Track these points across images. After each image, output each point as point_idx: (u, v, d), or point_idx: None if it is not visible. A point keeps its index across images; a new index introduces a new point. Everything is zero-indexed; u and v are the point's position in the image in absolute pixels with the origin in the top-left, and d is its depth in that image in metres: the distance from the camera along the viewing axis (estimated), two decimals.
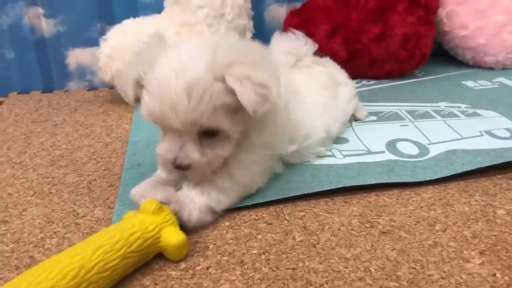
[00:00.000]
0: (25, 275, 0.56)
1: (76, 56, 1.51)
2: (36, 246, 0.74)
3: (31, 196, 0.89)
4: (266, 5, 1.56)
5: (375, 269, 0.64)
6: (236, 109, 0.71)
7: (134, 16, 1.38)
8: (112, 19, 1.45)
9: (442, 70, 1.51)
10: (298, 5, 1.53)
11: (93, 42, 1.47)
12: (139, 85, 0.74)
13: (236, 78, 0.69)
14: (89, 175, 0.96)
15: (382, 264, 0.65)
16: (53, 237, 0.76)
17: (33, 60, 1.50)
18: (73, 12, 1.47)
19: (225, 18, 1.31)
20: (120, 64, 1.29)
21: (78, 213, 0.82)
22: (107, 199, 0.86)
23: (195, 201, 0.75)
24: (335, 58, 1.40)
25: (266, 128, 0.80)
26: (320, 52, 1.30)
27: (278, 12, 1.56)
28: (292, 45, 1.09)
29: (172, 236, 0.67)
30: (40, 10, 1.46)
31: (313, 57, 1.13)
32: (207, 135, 0.72)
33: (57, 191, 0.90)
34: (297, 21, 1.46)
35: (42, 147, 1.10)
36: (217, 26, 1.30)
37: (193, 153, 0.72)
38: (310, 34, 1.42)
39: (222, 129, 0.72)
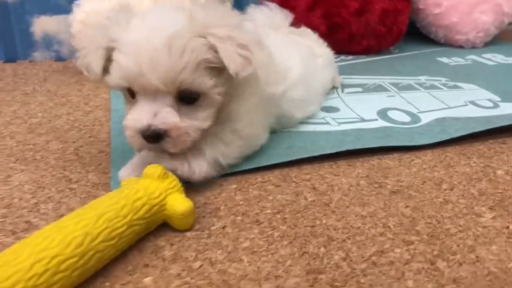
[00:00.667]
0: (24, 241, 0.51)
1: (42, 24, 1.42)
2: (30, 211, 0.68)
3: (14, 163, 0.82)
4: None
5: (394, 225, 0.64)
6: (218, 70, 0.68)
7: None
8: None
9: (415, 47, 1.54)
10: None
11: (61, 10, 1.39)
12: (107, 55, 0.68)
13: (218, 37, 0.65)
14: (74, 142, 0.90)
15: (399, 220, 0.65)
16: (48, 202, 0.70)
17: None
18: None
19: None
20: None
21: (70, 179, 0.77)
22: (99, 164, 0.81)
23: (203, 153, 0.72)
24: (315, 32, 1.41)
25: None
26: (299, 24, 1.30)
27: None
28: (267, 17, 1.08)
29: (179, 203, 0.62)
30: None
31: (290, 28, 1.11)
32: (185, 101, 0.67)
33: (42, 157, 0.84)
34: None
35: (15, 115, 1.03)
36: None
37: (171, 117, 0.66)
38: (290, 7, 1.41)
39: (203, 90, 0.67)
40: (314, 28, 1.39)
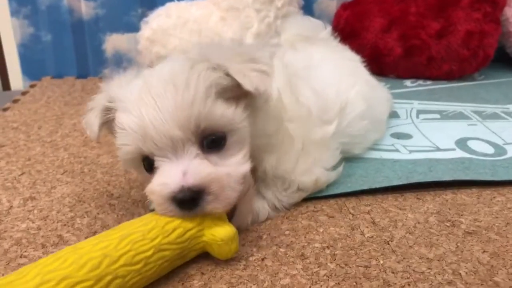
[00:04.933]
0: (36, 262, 0.46)
1: (113, 42, 1.44)
2: (65, 225, 0.65)
3: (61, 174, 0.80)
4: None
5: (466, 273, 0.53)
6: (235, 98, 0.57)
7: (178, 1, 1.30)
8: (154, 4, 1.37)
9: (504, 74, 1.38)
10: None
11: (133, 28, 1.41)
12: (107, 115, 0.61)
13: (222, 58, 0.56)
14: None
15: (474, 268, 0.54)
16: (84, 217, 0.67)
17: (69, 44, 1.44)
18: None
19: (274, 4, 1.21)
20: (161, 48, 1.21)
21: (112, 194, 0.73)
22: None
23: (263, 196, 0.66)
24: (390, 54, 1.31)
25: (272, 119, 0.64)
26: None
27: (327, 5, 1.47)
28: (302, 27, 1.02)
29: (219, 228, 0.54)
30: None
31: (327, 36, 1.03)
32: (212, 147, 0.56)
33: (89, 170, 0.82)
34: (350, 13, 1.36)
35: (74, 128, 1.02)
36: (266, 12, 1.21)
37: (206, 168, 0.53)
38: (363, 28, 1.34)
39: (226, 123, 0.55)
40: (389, 50, 1.31)
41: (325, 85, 0.76)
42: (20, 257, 0.58)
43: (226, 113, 0.55)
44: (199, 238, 0.54)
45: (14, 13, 1.40)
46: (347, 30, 1.36)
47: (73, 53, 1.45)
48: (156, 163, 0.55)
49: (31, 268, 0.45)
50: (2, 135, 0.98)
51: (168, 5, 1.27)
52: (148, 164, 0.57)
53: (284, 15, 1.24)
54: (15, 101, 1.23)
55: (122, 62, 1.46)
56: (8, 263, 0.57)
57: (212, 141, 0.55)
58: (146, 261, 0.50)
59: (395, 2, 1.34)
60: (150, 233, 0.51)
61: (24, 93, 1.30)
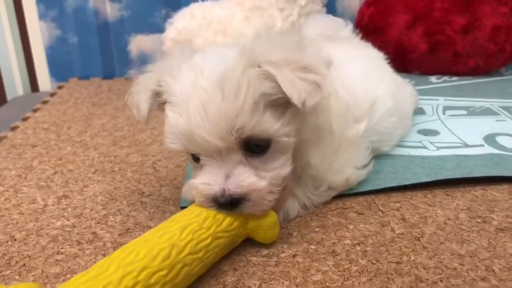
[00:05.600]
0: (109, 257, 0.48)
1: (138, 43, 1.47)
2: (98, 223, 0.66)
3: (93, 173, 0.82)
4: None
5: (500, 269, 0.53)
6: (283, 107, 0.56)
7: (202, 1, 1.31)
8: (178, 5, 1.38)
9: None
10: None
11: (157, 29, 1.43)
12: (156, 98, 0.61)
13: (275, 63, 0.54)
14: (154, 155, 0.89)
15: (507, 264, 0.54)
16: (117, 215, 0.68)
17: (95, 46, 1.46)
18: None
19: (298, 3, 1.22)
20: None
21: (143, 192, 0.75)
22: (174, 179, 0.79)
23: (294, 195, 0.66)
24: (414, 50, 1.31)
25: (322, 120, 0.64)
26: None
27: (350, 2, 1.46)
28: (323, 25, 1.02)
29: (263, 215, 0.57)
30: None
31: (349, 34, 1.02)
32: (254, 152, 0.56)
33: (120, 169, 0.83)
34: (373, 10, 1.35)
35: (103, 128, 1.04)
36: (290, 11, 1.22)
37: (247, 178, 0.55)
38: (387, 24, 1.33)
39: (269, 134, 0.55)
40: (413, 46, 1.30)
41: (352, 82, 0.76)
42: (57, 253, 0.60)
43: (273, 127, 0.55)
44: (245, 225, 0.57)
45: (42, 16, 1.43)
46: (371, 27, 1.35)
47: (99, 54, 1.47)
48: (202, 161, 0.57)
49: (108, 262, 0.46)
50: (34, 135, 1.01)
51: (193, 5, 1.28)
52: (194, 157, 0.59)
53: (308, 13, 1.24)
54: (44, 102, 1.26)
55: (147, 62, 1.45)
56: (46, 259, 0.58)
57: (255, 146, 0.56)
58: (206, 249, 0.52)
59: None
60: (205, 222, 0.54)
61: (52, 95, 1.33)
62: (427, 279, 0.52)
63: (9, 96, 1.46)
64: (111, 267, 0.45)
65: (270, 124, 0.54)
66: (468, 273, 0.53)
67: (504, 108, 1.04)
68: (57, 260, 0.58)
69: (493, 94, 1.15)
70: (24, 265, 0.58)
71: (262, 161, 0.57)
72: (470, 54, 1.27)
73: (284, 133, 0.56)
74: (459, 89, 1.21)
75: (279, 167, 0.57)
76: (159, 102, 0.61)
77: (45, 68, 1.48)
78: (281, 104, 0.56)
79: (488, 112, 1.03)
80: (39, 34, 1.45)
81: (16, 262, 0.58)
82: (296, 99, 0.52)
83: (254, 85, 0.53)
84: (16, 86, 1.47)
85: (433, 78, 1.31)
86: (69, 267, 0.57)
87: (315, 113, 0.61)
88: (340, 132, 0.68)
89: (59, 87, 1.41)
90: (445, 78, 1.31)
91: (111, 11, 1.44)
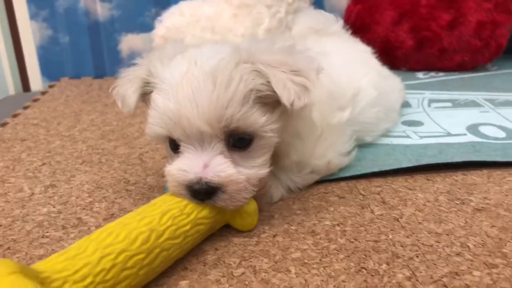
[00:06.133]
0: (88, 237, 0.48)
1: (128, 42, 1.48)
2: (84, 209, 0.67)
3: (80, 164, 0.83)
4: None
5: (474, 245, 0.54)
6: (271, 105, 0.58)
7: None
8: (168, 4, 1.40)
9: None
10: None
11: (147, 28, 1.44)
12: (143, 88, 0.61)
13: (268, 64, 0.56)
14: (141, 148, 0.90)
15: (482, 240, 0.55)
16: (102, 201, 0.69)
17: (86, 45, 1.48)
18: None
19: (285, 0, 1.24)
20: None
21: (129, 181, 0.76)
22: (160, 169, 0.80)
23: (278, 178, 0.67)
24: (401, 47, 1.32)
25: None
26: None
27: (338, 0, 1.48)
28: (314, 20, 1.05)
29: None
30: None
31: (339, 29, 1.05)
32: (237, 146, 0.57)
33: (107, 160, 0.84)
34: (360, 8, 1.38)
35: (92, 123, 1.05)
36: (277, 8, 1.23)
37: (227, 169, 0.55)
38: (374, 21, 1.35)
39: (255, 129, 0.56)
40: (400, 42, 1.32)
41: (336, 72, 0.77)
42: (42, 237, 0.60)
43: (259, 121, 0.56)
44: (224, 212, 0.58)
45: (33, 16, 1.45)
46: (358, 24, 1.37)
47: (90, 54, 1.49)
48: (181, 148, 0.57)
49: (87, 242, 0.47)
50: (23, 130, 1.02)
51: (181, 3, 1.30)
52: (174, 145, 0.59)
53: (295, 10, 1.26)
54: (35, 100, 1.27)
55: None
56: (31, 243, 0.59)
57: (238, 140, 0.57)
58: (185, 235, 0.53)
59: None
60: (186, 208, 0.54)
61: (43, 93, 1.34)
62: (404, 255, 0.53)
63: (0, 96, 1.47)
64: (90, 248, 0.46)
65: (257, 118, 0.56)
66: (443, 249, 0.54)
67: (488, 100, 1.06)
68: (41, 243, 0.59)
69: (478, 87, 1.17)
70: (8, 248, 0.58)
71: (243, 157, 0.57)
72: (456, 49, 1.29)
73: (269, 129, 0.57)
74: (445, 83, 1.23)
75: (257, 166, 0.58)
76: (144, 91, 0.62)
77: (37, 67, 1.50)
78: (269, 102, 0.57)
79: (472, 104, 1.04)
80: (30, 34, 1.46)
81: (1, 245, 0.59)
82: (285, 99, 0.54)
83: (246, 79, 0.55)
84: (8, 85, 1.48)
85: (420, 74, 1.33)
86: (53, 250, 0.57)
87: (296, 119, 0.63)
88: (322, 119, 0.69)
89: (51, 86, 1.42)
90: (432, 74, 1.33)
91: (101, 11, 1.45)
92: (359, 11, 1.37)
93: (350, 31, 1.07)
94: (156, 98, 0.57)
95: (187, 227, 0.53)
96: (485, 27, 1.25)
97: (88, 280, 0.43)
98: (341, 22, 1.05)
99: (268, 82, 0.56)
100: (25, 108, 1.19)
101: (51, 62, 1.49)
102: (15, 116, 1.13)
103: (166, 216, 0.52)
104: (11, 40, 1.46)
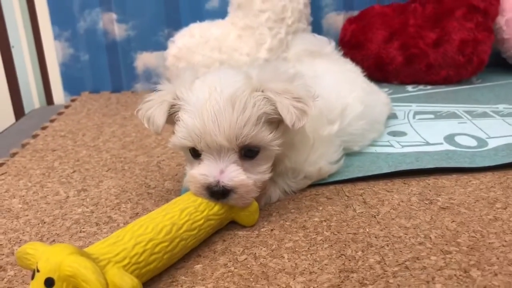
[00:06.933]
0: (124, 229, 0.61)
1: (143, 59, 1.61)
2: (113, 209, 0.80)
3: (106, 171, 0.96)
4: (324, 13, 1.61)
5: (435, 236, 0.66)
6: (276, 123, 0.72)
7: (200, 22, 1.46)
8: (179, 25, 1.54)
9: (500, 77, 1.50)
10: (355, 13, 1.58)
11: (160, 47, 1.58)
12: (170, 110, 0.73)
13: (275, 92, 0.69)
14: (158, 156, 1.02)
15: (442, 233, 0.67)
16: (128, 203, 0.82)
17: (105, 62, 1.61)
18: (143, 17, 1.58)
19: (285, 22, 1.37)
20: (186, 64, 1.37)
21: (149, 185, 0.88)
22: (176, 175, 0.92)
23: (275, 181, 0.79)
24: (392, 62, 1.45)
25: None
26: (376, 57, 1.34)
27: (335, 20, 1.61)
28: (309, 42, 1.18)
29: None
30: (114, 16, 1.57)
31: (331, 50, 1.18)
32: (247, 156, 0.70)
33: (129, 168, 0.97)
34: (355, 27, 1.50)
35: (113, 135, 1.18)
36: (278, 30, 1.37)
37: (239, 175, 0.68)
38: (367, 39, 1.48)
39: (263, 144, 0.70)
40: (391, 59, 1.44)
41: (327, 91, 0.91)
42: (80, 232, 0.73)
43: (267, 138, 0.69)
44: (231, 210, 0.70)
45: (56, 36, 1.58)
46: (353, 42, 1.50)
47: (108, 70, 1.62)
48: (202, 156, 0.70)
49: (123, 232, 0.59)
50: (53, 141, 1.15)
51: (191, 26, 1.43)
52: (195, 153, 0.72)
53: (294, 31, 1.39)
54: (60, 113, 1.40)
55: (151, 77, 1.63)
56: (71, 236, 0.72)
57: (248, 151, 0.70)
58: (199, 228, 0.65)
59: (396, 15, 1.47)
60: (200, 206, 0.67)
61: (66, 107, 1.47)
62: (377, 245, 0.65)
63: (26, 109, 1.61)
64: (126, 237, 0.58)
65: (265, 136, 0.69)
66: (409, 239, 0.66)
67: (467, 112, 1.18)
68: (80, 237, 0.72)
69: (460, 100, 1.29)
70: (53, 240, 0.71)
71: (251, 165, 0.71)
72: (442, 65, 1.41)
73: (274, 144, 0.71)
74: (430, 96, 1.35)
75: (262, 172, 0.72)
76: (170, 113, 0.74)
77: (59, 83, 1.63)
78: (274, 121, 0.71)
79: (453, 116, 1.16)
80: (54, 52, 1.60)
81: (47, 238, 0.72)
82: (289, 121, 0.68)
83: (258, 105, 0.69)
84: (33, 99, 1.62)
85: (409, 87, 1.45)
86: (90, 242, 0.70)
87: (292, 135, 0.76)
88: (314, 132, 0.82)
89: (72, 100, 1.56)
90: (420, 87, 1.45)
91: (119, 31, 1.59)
92: (354, 30, 1.50)
93: (345, 49, 1.21)
94: (184, 117, 0.70)
95: (201, 222, 0.66)
96: (468, 44, 1.37)
97: (126, 261, 0.55)
98: (333, 44, 1.18)
99: (275, 107, 0.69)
100: (52, 121, 1.33)
101: (72, 78, 1.62)
102: (44, 128, 1.26)
103: (184, 213, 0.65)
104: (37, 58, 1.60)
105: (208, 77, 0.74)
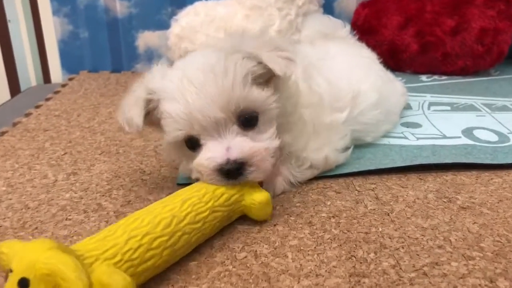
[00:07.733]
0: (117, 223, 0.54)
1: (145, 39, 1.55)
2: (103, 195, 0.74)
3: (99, 154, 0.90)
4: None
5: (455, 239, 0.60)
6: (264, 83, 0.66)
7: (205, 0, 1.39)
8: (183, 3, 1.46)
9: None
10: None
11: (163, 26, 1.50)
12: (147, 109, 0.66)
13: (254, 48, 0.64)
14: (156, 141, 0.96)
15: (463, 235, 0.61)
16: (120, 189, 0.76)
17: (105, 41, 1.55)
18: None
19: (295, 3, 1.29)
20: (189, 44, 1.30)
21: (144, 171, 0.82)
22: (173, 161, 0.86)
23: (280, 171, 0.73)
24: (406, 50, 1.38)
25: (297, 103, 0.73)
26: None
27: (347, 3, 1.53)
28: (323, 24, 1.11)
29: (257, 194, 0.63)
30: None
31: (345, 34, 1.11)
32: (247, 126, 0.64)
33: (124, 152, 0.91)
34: (368, 12, 1.42)
35: (110, 116, 1.12)
36: (287, 11, 1.29)
37: (247, 144, 0.62)
38: (381, 25, 1.40)
39: (260, 104, 0.64)
40: (405, 46, 1.37)
41: (338, 75, 0.84)
42: (66, 219, 0.67)
43: (261, 96, 0.64)
44: (240, 202, 0.63)
45: (55, 12, 1.52)
46: (366, 27, 1.42)
47: (108, 49, 1.55)
48: (202, 141, 0.64)
49: (116, 227, 0.53)
50: (46, 121, 1.09)
51: (196, 4, 1.36)
52: (192, 143, 0.65)
53: (305, 13, 1.31)
54: (56, 92, 1.34)
55: (153, 57, 1.56)
56: (56, 224, 0.66)
57: (246, 120, 0.64)
58: (204, 221, 0.58)
59: (412, 1, 1.39)
60: (204, 197, 0.60)
61: (63, 85, 1.41)
62: (391, 246, 0.59)
63: (22, 87, 1.54)
64: (118, 231, 0.52)
65: (258, 94, 0.64)
66: (427, 242, 0.60)
67: (486, 105, 1.11)
68: (65, 225, 0.66)
69: (478, 92, 1.22)
70: (36, 228, 0.65)
71: (255, 134, 0.65)
72: (459, 54, 1.33)
73: (270, 102, 0.65)
74: (446, 87, 1.27)
75: (269, 138, 0.65)
76: (149, 110, 0.67)
77: (57, 61, 1.57)
78: (262, 82, 0.65)
79: (470, 108, 1.09)
80: (52, 28, 1.54)
81: (30, 225, 0.66)
82: (278, 70, 0.63)
83: (240, 64, 0.63)
84: (30, 77, 1.56)
85: (423, 77, 1.38)
86: (75, 231, 0.64)
87: (282, 99, 0.69)
88: (314, 118, 0.75)
89: (70, 79, 1.49)
90: (435, 77, 1.37)
91: (120, 8, 1.52)
92: (367, 14, 1.42)
93: (357, 35, 1.13)
94: (166, 106, 0.63)
95: (206, 214, 0.58)
96: (488, 33, 1.30)
97: (117, 258, 0.49)
98: (348, 27, 1.11)
99: (259, 63, 0.64)
100: (47, 99, 1.26)
101: (71, 55, 1.56)
102: (38, 107, 1.20)
103: (186, 204, 0.58)
104: (34, 34, 1.54)
105: (178, 63, 0.69)
